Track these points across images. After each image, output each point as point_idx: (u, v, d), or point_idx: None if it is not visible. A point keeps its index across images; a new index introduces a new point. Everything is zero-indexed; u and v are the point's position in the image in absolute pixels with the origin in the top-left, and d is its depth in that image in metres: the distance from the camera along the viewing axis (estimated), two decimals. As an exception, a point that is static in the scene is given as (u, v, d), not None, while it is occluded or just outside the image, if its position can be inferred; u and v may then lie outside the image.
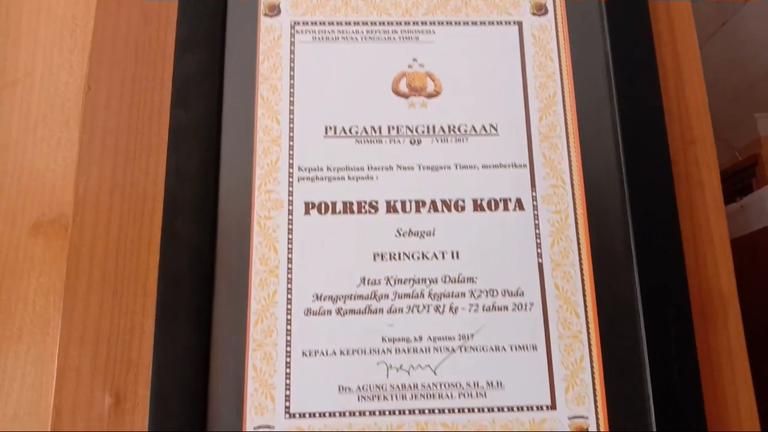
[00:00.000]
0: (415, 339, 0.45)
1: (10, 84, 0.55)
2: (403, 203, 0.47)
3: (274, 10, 0.50)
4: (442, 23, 0.51)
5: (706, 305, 0.48)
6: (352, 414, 0.43)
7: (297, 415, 0.43)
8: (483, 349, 0.44)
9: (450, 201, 0.47)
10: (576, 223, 0.47)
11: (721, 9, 0.98)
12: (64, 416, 0.43)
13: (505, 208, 0.47)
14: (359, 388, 0.43)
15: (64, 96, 0.54)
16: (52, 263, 0.50)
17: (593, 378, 0.44)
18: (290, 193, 0.47)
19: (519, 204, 0.47)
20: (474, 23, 0.51)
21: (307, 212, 0.47)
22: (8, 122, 0.53)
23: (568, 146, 0.49)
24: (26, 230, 0.51)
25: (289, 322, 0.44)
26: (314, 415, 0.43)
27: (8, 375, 0.47)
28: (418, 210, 0.47)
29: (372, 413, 0.43)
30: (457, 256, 0.46)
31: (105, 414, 0.44)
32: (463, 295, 0.45)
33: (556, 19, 0.51)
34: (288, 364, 0.44)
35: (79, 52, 0.54)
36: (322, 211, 0.47)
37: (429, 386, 0.44)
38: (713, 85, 0.50)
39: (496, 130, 0.49)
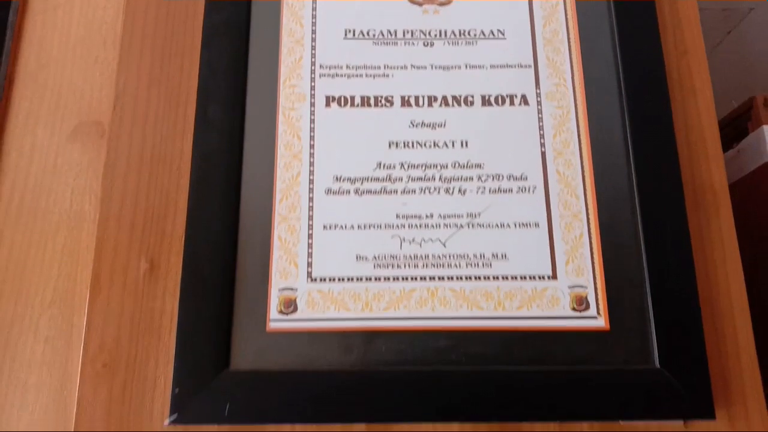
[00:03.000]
0: (427, 216, 0.48)
1: (51, 8, 0.59)
2: (417, 98, 0.51)
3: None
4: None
5: (699, 198, 0.51)
6: (368, 279, 0.47)
7: (318, 280, 0.47)
8: (489, 225, 0.48)
9: (460, 97, 0.51)
10: (576, 117, 0.51)
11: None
12: (102, 280, 0.47)
13: (511, 103, 0.51)
14: (375, 257, 0.47)
15: (102, 19, 0.58)
16: (88, 166, 0.54)
17: (591, 253, 0.48)
18: (312, 88, 0.51)
19: (524, 100, 0.51)
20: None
21: (327, 105, 0.51)
22: (50, 43, 0.58)
23: (570, 50, 0.53)
24: (65, 137, 0.55)
25: (311, 199, 0.48)
26: (333, 279, 0.47)
27: (46, 266, 0.51)
28: (430, 104, 0.51)
29: (386, 279, 0.47)
30: (466, 145, 0.50)
31: (140, 278, 0.47)
32: (471, 179, 0.49)
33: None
34: (310, 236, 0.47)
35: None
36: (342, 104, 0.51)
37: (439, 257, 0.47)
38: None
39: (503, 34, 0.53)
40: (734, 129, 0.89)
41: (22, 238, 0.52)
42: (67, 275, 0.51)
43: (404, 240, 0.48)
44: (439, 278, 0.47)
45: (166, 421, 0.43)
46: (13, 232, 0.52)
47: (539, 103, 0.51)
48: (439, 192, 0.49)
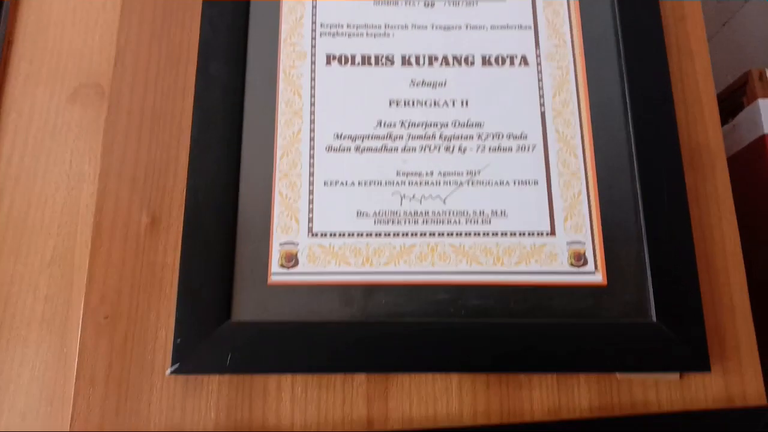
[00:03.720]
0: (427, 174, 0.49)
1: (50, -29, 0.59)
2: (417, 57, 0.51)
3: None
4: None
5: (695, 158, 0.52)
6: (369, 235, 0.47)
7: (319, 235, 0.47)
8: (489, 183, 0.49)
9: (460, 56, 0.51)
10: (576, 78, 0.51)
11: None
12: (104, 233, 0.47)
13: (511, 64, 0.51)
14: (375, 213, 0.47)
15: (102, -19, 0.58)
16: (88, 128, 0.54)
17: (590, 210, 0.48)
18: (313, 46, 0.51)
19: (524, 60, 0.52)
20: None
21: (328, 63, 0.51)
22: (49, 5, 0.57)
23: (569, 12, 0.53)
24: (65, 98, 0.55)
25: (312, 156, 0.49)
26: (334, 234, 0.47)
27: (45, 225, 0.51)
28: (430, 64, 0.51)
29: (387, 234, 0.47)
30: (467, 104, 0.50)
31: (141, 232, 0.48)
32: (471, 137, 0.50)
33: None
34: (311, 192, 0.48)
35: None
36: (342, 62, 0.51)
37: (439, 213, 0.48)
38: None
39: (503, -5, 0.53)
40: (730, 104, 0.90)
41: (21, 197, 0.52)
42: (67, 234, 0.51)
43: (404, 197, 0.48)
44: (438, 234, 0.47)
45: (168, 371, 0.43)
46: (12, 192, 0.51)
47: (539, 63, 0.52)
48: (439, 150, 0.49)
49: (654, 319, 0.45)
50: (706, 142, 0.52)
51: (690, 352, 0.45)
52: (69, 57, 0.56)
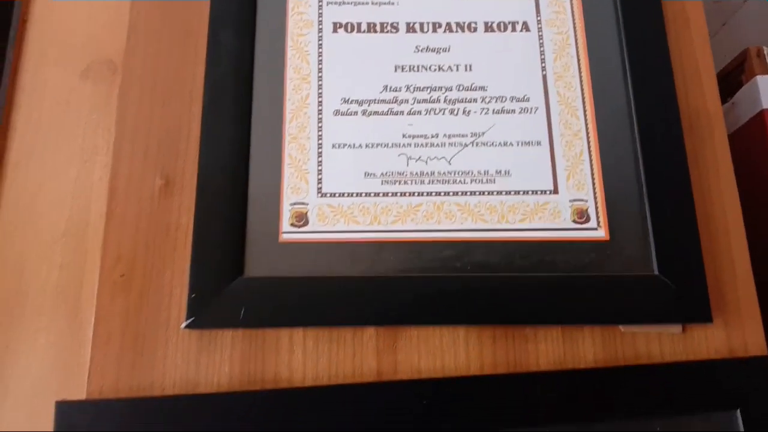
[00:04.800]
0: (432, 136, 0.50)
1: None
2: (421, 24, 0.53)
3: None
4: None
5: (693, 121, 0.53)
6: (377, 195, 0.48)
7: (328, 195, 0.48)
8: (493, 144, 0.50)
9: (464, 23, 0.53)
10: (576, 42, 0.52)
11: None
12: (118, 195, 0.49)
13: (513, 30, 0.53)
14: (383, 174, 0.49)
15: (111, -40, 0.59)
16: (100, 103, 0.55)
17: (592, 169, 0.49)
18: (320, 15, 0.52)
19: (525, 26, 0.53)
20: None
21: (335, 30, 0.52)
22: (58, -13, 0.59)
23: (569, -21, 0.54)
24: (77, 75, 0.56)
25: (320, 120, 0.50)
26: (343, 195, 0.48)
27: (59, 197, 0.52)
28: (434, 30, 0.52)
29: (394, 194, 0.48)
30: (470, 69, 0.52)
31: (156, 194, 0.49)
32: (475, 100, 0.51)
33: None
34: (320, 154, 0.49)
35: None
36: (349, 29, 0.52)
37: (444, 174, 0.49)
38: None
39: (504, -35, 0.54)
40: (728, 84, 0.91)
41: (36, 171, 0.53)
42: (81, 206, 0.52)
43: (411, 158, 0.49)
44: (444, 193, 0.48)
45: (183, 324, 0.44)
46: (27, 165, 0.53)
47: (540, 29, 0.53)
48: (444, 113, 0.50)
49: (656, 272, 0.46)
50: (704, 107, 0.53)
51: (692, 303, 0.46)
52: (81, 35, 0.57)
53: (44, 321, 0.49)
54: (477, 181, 0.49)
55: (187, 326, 0.44)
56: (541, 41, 0.52)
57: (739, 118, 0.86)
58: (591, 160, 0.49)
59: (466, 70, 0.52)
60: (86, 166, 0.53)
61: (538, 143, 0.50)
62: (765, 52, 0.87)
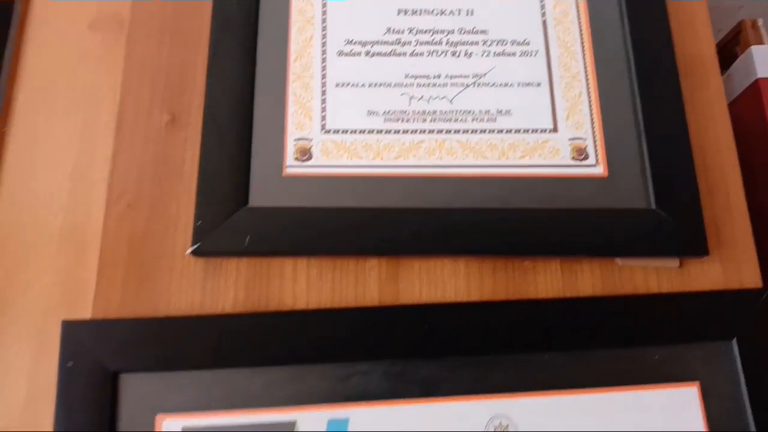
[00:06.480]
0: (434, 76, 0.51)
1: None
2: (424, -30, 0.54)
3: None
4: None
5: (689, 68, 0.54)
6: (379, 132, 0.49)
7: (331, 131, 0.49)
8: (494, 84, 0.51)
9: (465, -31, 0.54)
10: (575, -11, 0.54)
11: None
12: (126, 129, 0.49)
13: (513, -24, 0.54)
14: (385, 112, 0.50)
15: None
16: (106, 54, 0.56)
17: (590, 110, 0.50)
18: (325, -40, 0.53)
19: (525, -27, 0.54)
20: None
21: (338, -24, 0.53)
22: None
23: (569, -70, 0.55)
24: (85, 26, 0.57)
25: (324, 60, 0.51)
26: (346, 131, 0.49)
27: (65, 140, 0.52)
28: (437, -24, 0.54)
29: (396, 132, 0.49)
30: (472, 13, 0.53)
31: (162, 128, 0.50)
32: (477, 43, 0.52)
33: None
34: (324, 92, 0.50)
35: None
36: (353, -25, 0.53)
37: (446, 113, 0.50)
38: None
39: None
40: (724, 57, 0.92)
41: (44, 117, 0.53)
42: (87, 150, 0.52)
43: (413, 97, 0.50)
44: (446, 131, 0.49)
45: (189, 250, 0.45)
46: (35, 111, 0.53)
47: (540, -24, 0.54)
48: (446, 55, 0.51)
49: (653, 206, 0.47)
50: (699, 54, 0.55)
51: (688, 236, 0.47)
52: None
53: (48, 262, 0.49)
54: (478, 119, 0.50)
55: (193, 252, 0.45)
56: (540, -13, 0.54)
57: (735, 89, 0.87)
58: (590, 101, 0.50)
59: (467, 14, 0.53)
60: (91, 113, 0.54)
61: (538, 84, 0.51)
62: (760, 24, 0.88)
